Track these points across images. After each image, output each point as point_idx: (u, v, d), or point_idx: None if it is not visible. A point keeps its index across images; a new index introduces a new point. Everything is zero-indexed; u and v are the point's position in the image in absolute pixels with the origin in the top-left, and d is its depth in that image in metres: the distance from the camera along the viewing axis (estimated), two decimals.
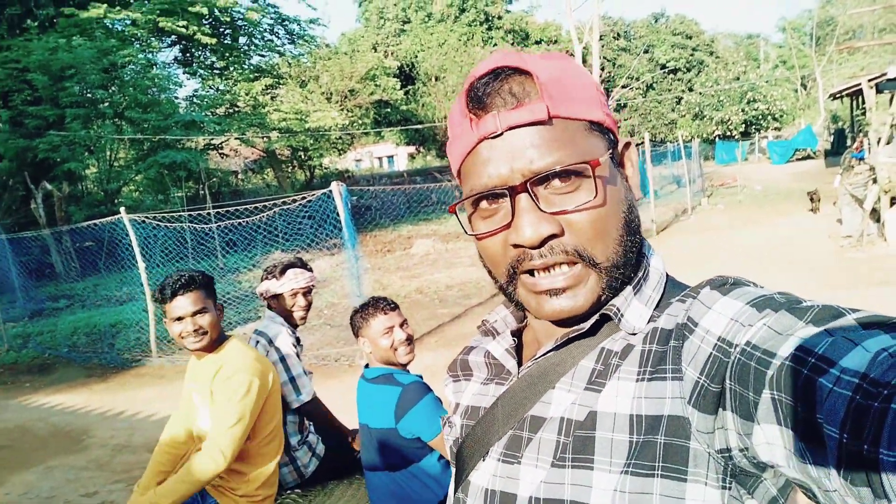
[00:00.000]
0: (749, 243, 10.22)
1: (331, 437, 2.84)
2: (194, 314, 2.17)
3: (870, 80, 10.04)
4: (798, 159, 26.53)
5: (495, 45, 33.29)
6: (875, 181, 8.81)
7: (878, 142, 9.40)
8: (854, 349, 0.43)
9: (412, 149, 36.25)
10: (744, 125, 33.11)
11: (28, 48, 13.79)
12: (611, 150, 0.65)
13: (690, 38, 40.46)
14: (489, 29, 33.55)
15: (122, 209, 7.67)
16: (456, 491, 0.76)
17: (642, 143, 14.15)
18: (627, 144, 0.69)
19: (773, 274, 7.76)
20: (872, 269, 7.40)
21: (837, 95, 22.11)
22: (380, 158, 44.60)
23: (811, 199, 12.36)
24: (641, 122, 37.39)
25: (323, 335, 7.63)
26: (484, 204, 0.66)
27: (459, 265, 11.45)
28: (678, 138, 17.28)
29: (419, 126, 26.97)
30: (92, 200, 16.02)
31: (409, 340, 2.35)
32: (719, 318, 0.55)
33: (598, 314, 0.66)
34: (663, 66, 38.41)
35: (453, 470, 0.79)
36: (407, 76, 29.32)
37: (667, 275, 0.71)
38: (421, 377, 2.25)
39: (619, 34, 40.01)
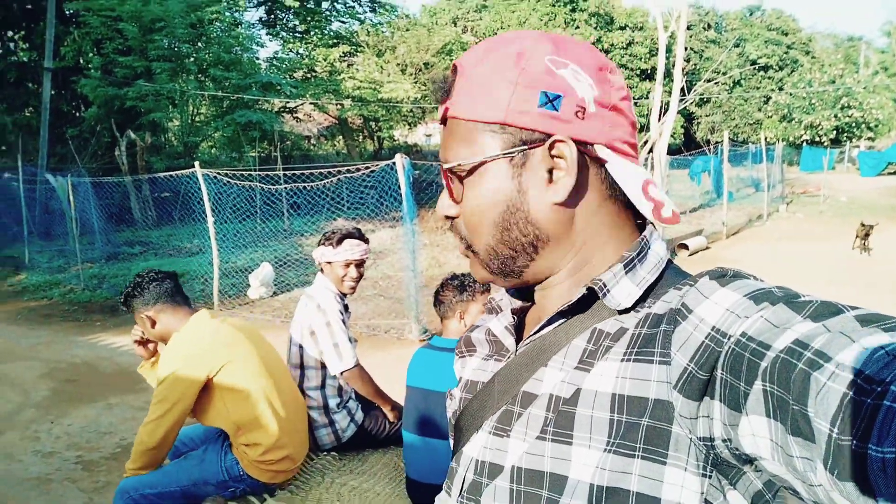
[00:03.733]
0: (826, 258, 9.68)
1: (371, 406, 2.89)
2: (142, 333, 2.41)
3: None
4: (890, 173, 24.93)
5: (577, 27, 32.48)
6: None
7: None
8: (851, 345, 0.43)
9: None
10: (835, 132, 31.22)
11: None
12: (513, 150, 0.67)
13: (786, 34, 38.31)
14: (573, 10, 32.72)
15: (196, 164, 7.94)
16: (451, 460, 0.80)
17: (721, 142, 13.54)
18: (552, 144, 0.66)
19: (850, 297, 7.33)
20: None
21: None
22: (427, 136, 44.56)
23: (860, 236, 9.93)
24: (724, 120, 35.83)
25: (376, 306, 7.73)
26: None
27: None
28: (762, 140, 16.47)
29: None
30: (172, 152, 16.66)
31: None
32: (715, 307, 0.56)
33: (585, 287, 0.67)
34: (753, 63, 36.55)
35: (451, 440, 0.83)
36: None
37: (669, 262, 0.71)
38: None
39: (709, 25, 38.30)
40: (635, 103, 36.18)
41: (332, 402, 2.72)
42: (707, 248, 10.65)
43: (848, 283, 7.81)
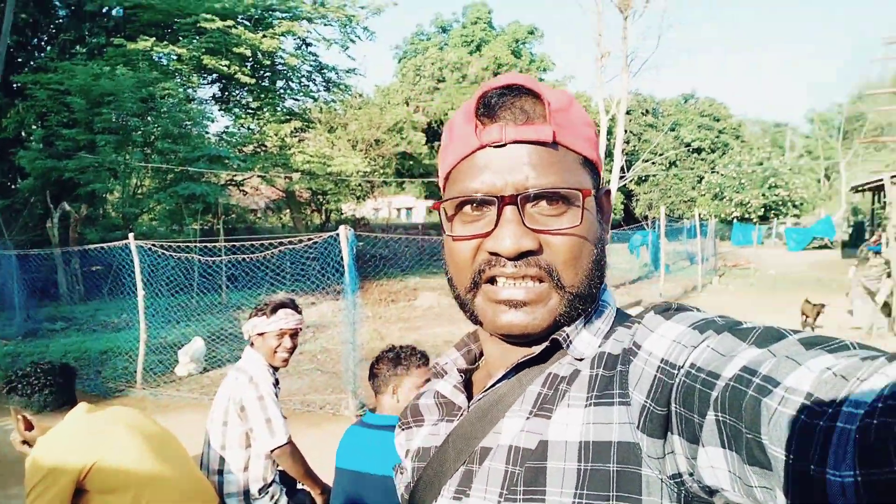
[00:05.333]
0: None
1: (296, 490, 2.73)
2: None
3: (892, 176, 10.04)
4: (814, 248, 26.31)
5: None
6: (889, 275, 8.67)
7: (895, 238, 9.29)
8: (798, 368, 0.43)
9: (431, 202, 36.71)
10: (763, 209, 33.05)
11: (73, 72, 14.33)
12: (596, 189, 0.69)
13: (718, 120, 40.99)
14: None
15: (130, 234, 7.76)
16: None
17: (658, 217, 14.15)
18: (608, 192, 0.73)
19: None
20: None
21: (860, 189, 22.09)
22: (399, 210, 45.13)
23: (810, 315, 9.24)
24: (661, 197, 37.52)
25: (312, 380, 7.52)
26: (468, 209, 0.67)
27: (462, 321, 11.30)
28: (696, 216, 17.28)
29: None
30: (109, 224, 16.27)
31: None
32: (662, 340, 0.56)
33: (548, 340, 0.67)
34: (688, 145, 38.81)
35: None
36: (434, 132, 29.93)
37: (617, 309, 0.73)
38: None
39: (647, 110, 40.68)
40: None
41: (254, 488, 2.55)
42: None
43: None
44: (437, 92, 33.44)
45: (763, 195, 32.80)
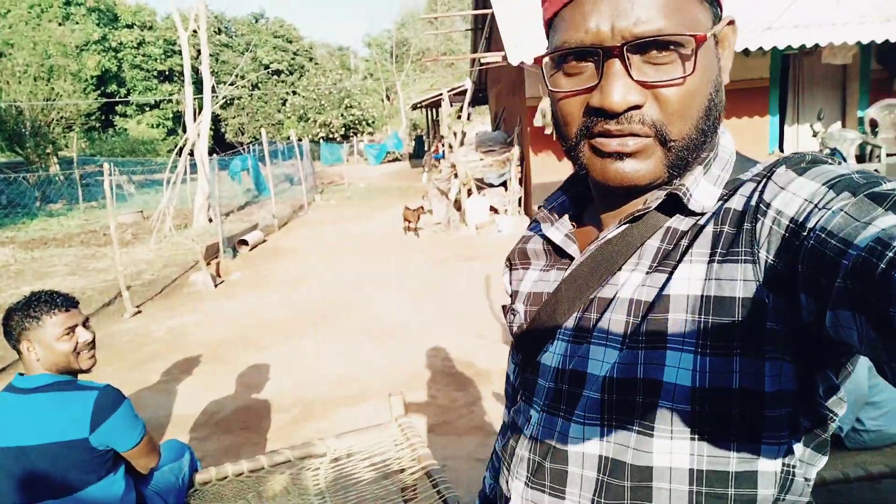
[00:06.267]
0: (363, 231, 11.35)
1: None
2: None
3: (449, 91, 12.21)
4: (389, 161, 30.20)
5: (77, 22, 28.90)
6: (456, 176, 10.74)
7: (459, 144, 11.45)
8: None
9: None
10: (343, 129, 36.05)
11: None
12: (715, 27, 0.63)
13: (291, 42, 41.94)
14: (68, 3, 28.92)
15: None
16: (525, 373, 0.76)
17: (255, 140, 14.20)
18: (731, 22, 0.65)
19: (386, 255, 8.83)
20: (461, 247, 9.07)
21: (417, 106, 25.89)
22: None
23: (411, 220, 10.27)
24: (250, 121, 37.33)
25: None
26: (572, 61, 0.62)
27: (55, 274, 9.75)
28: (289, 138, 17.88)
29: None
30: None
31: (93, 343, 2.02)
32: (794, 199, 0.54)
33: (665, 193, 0.65)
34: (267, 67, 39.02)
35: (518, 356, 0.79)
36: None
37: (737, 153, 0.70)
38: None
39: (219, 29, 39.01)
40: (158, 105, 34.49)
41: None
42: (264, 240, 11.16)
43: (385, 246, 9.35)
44: None
45: (342, 115, 35.68)
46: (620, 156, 0.62)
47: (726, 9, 0.66)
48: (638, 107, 0.60)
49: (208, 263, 8.69)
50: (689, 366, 0.59)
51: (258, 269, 8.96)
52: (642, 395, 0.61)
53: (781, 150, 10.48)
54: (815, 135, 9.09)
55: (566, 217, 0.78)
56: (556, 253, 0.77)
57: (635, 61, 0.60)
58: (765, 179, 0.59)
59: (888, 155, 7.75)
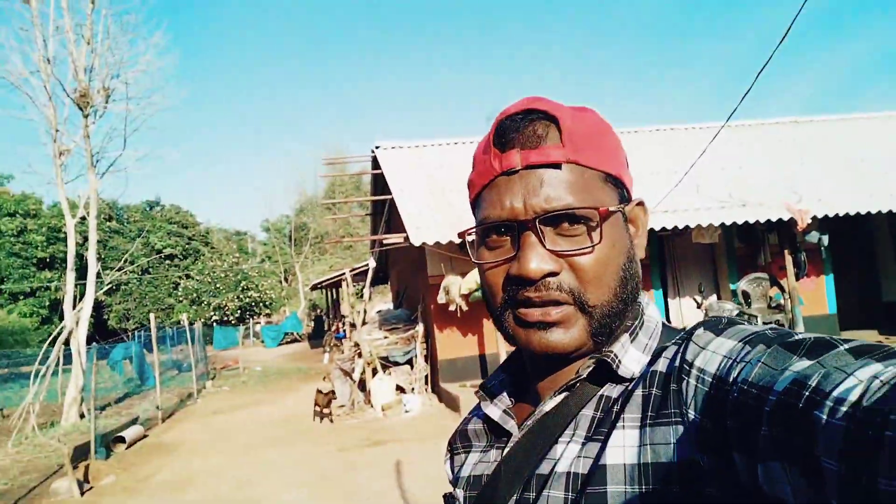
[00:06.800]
0: (259, 420, 10.48)
1: None
2: None
3: (350, 271, 12.30)
4: (288, 342, 29.35)
5: None
6: (360, 356, 10.44)
7: (361, 322, 11.30)
8: (846, 379, 0.43)
9: None
10: (239, 311, 35.10)
11: None
12: (623, 205, 0.70)
13: (186, 227, 41.84)
14: None
15: None
16: None
17: (142, 326, 13.36)
18: (640, 203, 0.74)
19: (286, 447, 8.09)
20: (367, 431, 8.52)
21: (317, 286, 25.92)
22: None
23: (322, 404, 9.75)
24: (137, 307, 35.55)
25: None
26: (493, 235, 0.69)
27: None
28: (180, 322, 17.05)
29: None
30: None
31: None
32: (714, 356, 0.56)
33: (594, 361, 0.67)
34: (159, 252, 38.23)
35: None
36: None
37: (662, 323, 0.73)
38: None
39: (110, 216, 38.40)
40: (34, 294, 32.24)
41: None
42: (145, 435, 10.02)
43: (283, 434, 8.59)
44: None
45: (238, 297, 34.89)
46: (544, 325, 0.66)
47: (635, 193, 0.75)
48: (554, 274, 0.65)
49: (75, 468, 7.55)
50: None
51: (136, 471, 7.88)
52: None
53: (668, 321, 11.18)
54: (699, 306, 9.82)
55: (504, 394, 0.79)
56: (495, 432, 0.78)
57: (548, 233, 0.66)
58: (685, 342, 0.61)
59: (764, 324, 8.44)
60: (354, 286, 15.43)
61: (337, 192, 43.02)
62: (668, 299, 11.45)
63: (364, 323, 11.55)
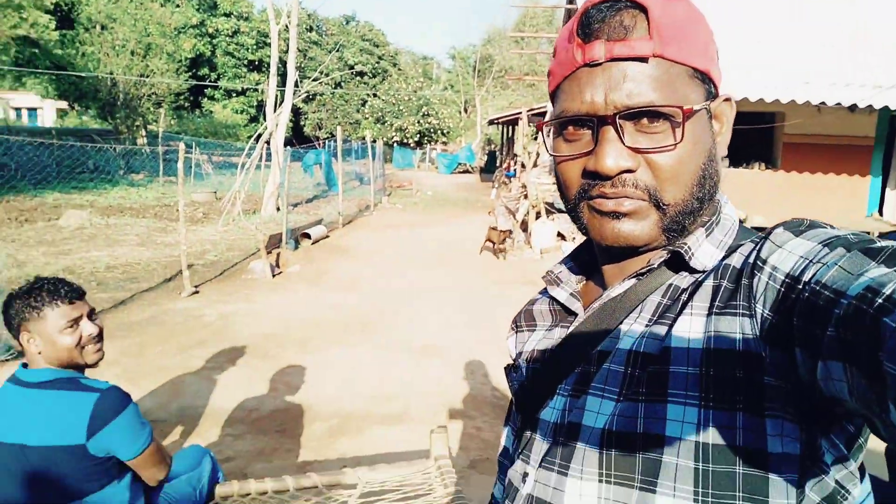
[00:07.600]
0: (424, 240, 11.19)
1: None
2: None
3: (528, 111, 11.99)
4: (460, 172, 30.24)
5: (178, 6, 30.30)
6: (526, 197, 10.47)
7: (532, 165, 11.18)
8: None
9: (64, 104, 30.52)
10: (418, 135, 36.38)
11: None
12: (708, 102, 0.67)
13: (377, 45, 42.82)
14: None
15: None
16: (524, 430, 0.75)
17: (331, 136, 14.38)
18: (727, 99, 0.71)
19: (444, 268, 8.62)
20: (522, 270, 8.77)
21: (494, 122, 25.78)
22: (18, 110, 36.71)
23: (496, 241, 9.59)
24: (328, 118, 38.16)
25: None
26: (570, 128, 0.67)
27: (125, 243, 10.03)
28: (364, 138, 18.07)
29: (80, 75, 22.75)
30: None
31: (100, 336, 1.88)
32: (790, 256, 0.56)
33: (667, 252, 0.67)
34: (351, 67, 39.87)
35: (517, 418, 0.79)
36: (65, 17, 24.63)
37: (739, 222, 0.73)
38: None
39: (311, 27, 40.19)
40: (244, 93, 35.76)
41: None
42: (327, 236, 11.18)
43: (445, 259, 9.16)
44: None
45: (418, 122, 36.00)
46: (617, 215, 0.66)
47: (723, 87, 0.71)
48: (631, 171, 0.64)
49: (269, 252, 8.72)
50: (692, 419, 0.59)
51: (317, 265, 8.93)
52: (643, 450, 0.60)
53: (881, 213, 9.71)
54: None
55: (572, 277, 0.81)
56: (561, 314, 0.79)
57: (628, 129, 0.64)
58: (763, 240, 0.61)
59: None
60: (530, 126, 15.10)
61: (528, 25, 40.86)
62: (888, 189, 9.86)
63: (535, 165, 11.40)
